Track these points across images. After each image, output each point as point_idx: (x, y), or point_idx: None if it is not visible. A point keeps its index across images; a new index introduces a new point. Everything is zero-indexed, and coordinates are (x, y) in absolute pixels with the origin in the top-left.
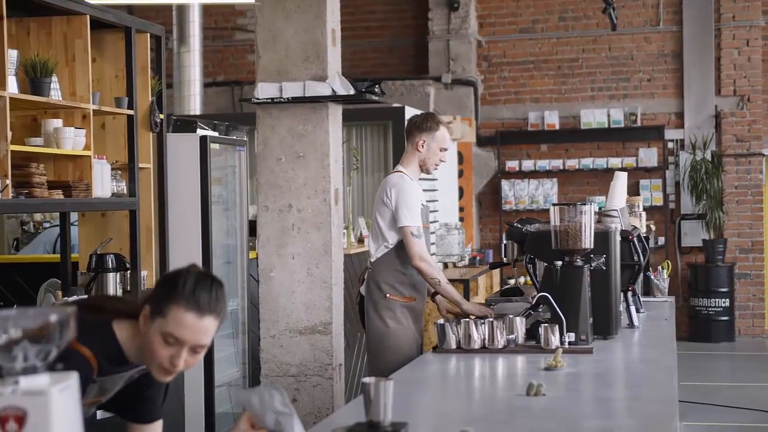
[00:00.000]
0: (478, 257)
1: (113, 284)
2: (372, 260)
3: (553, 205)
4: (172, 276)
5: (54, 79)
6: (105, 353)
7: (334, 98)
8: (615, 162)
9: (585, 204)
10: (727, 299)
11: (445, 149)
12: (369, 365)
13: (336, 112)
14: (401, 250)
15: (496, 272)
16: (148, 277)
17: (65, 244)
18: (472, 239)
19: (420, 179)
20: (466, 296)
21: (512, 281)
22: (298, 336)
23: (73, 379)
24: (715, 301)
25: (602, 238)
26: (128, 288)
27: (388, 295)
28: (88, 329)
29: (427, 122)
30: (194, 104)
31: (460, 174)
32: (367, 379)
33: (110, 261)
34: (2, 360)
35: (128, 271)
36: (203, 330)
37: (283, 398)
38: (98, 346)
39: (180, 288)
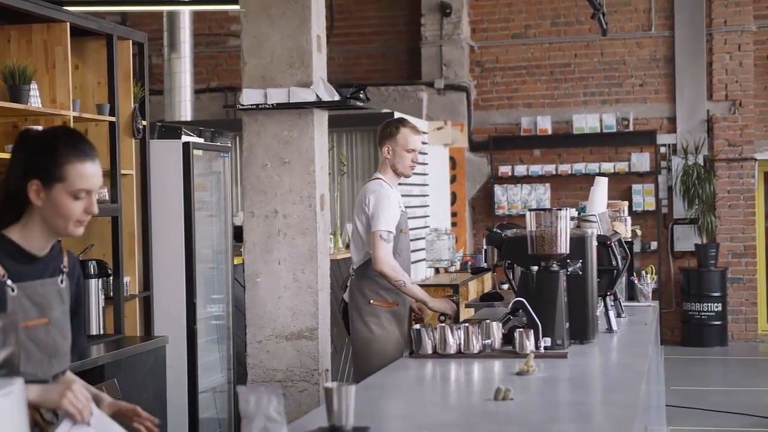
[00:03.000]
0: (470, 262)
1: (95, 291)
2: (354, 267)
3: (530, 210)
4: (42, 142)
5: (33, 86)
6: (6, 254)
7: (319, 104)
8: (607, 167)
9: (561, 209)
10: (720, 304)
11: (413, 150)
12: (354, 371)
13: (321, 118)
14: None
15: (488, 277)
16: (131, 283)
17: None
18: (465, 244)
19: (409, 184)
20: (456, 303)
21: (506, 286)
22: (284, 341)
23: (17, 385)
24: (708, 306)
25: (579, 243)
26: (111, 294)
27: (372, 301)
28: None
29: (387, 128)
30: (185, 110)
31: (453, 179)
32: (328, 384)
33: (92, 267)
34: None
35: (110, 278)
36: (99, 173)
37: (278, 405)
38: None
39: (64, 148)
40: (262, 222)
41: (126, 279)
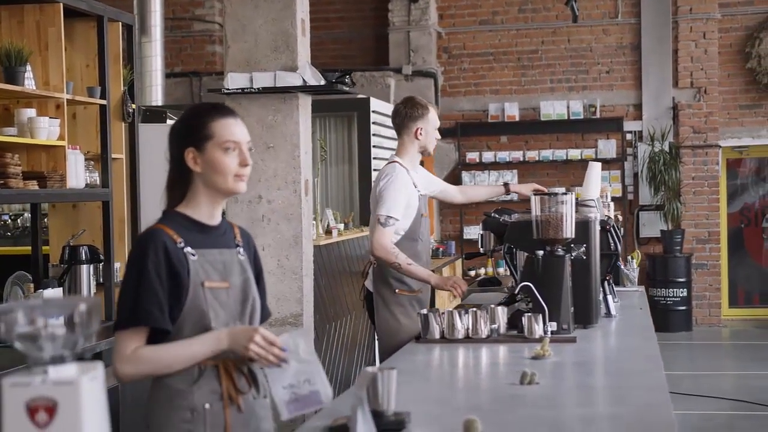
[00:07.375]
0: (440, 249)
1: (86, 276)
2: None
3: (535, 194)
4: (187, 117)
5: (28, 68)
6: (180, 225)
7: (305, 89)
8: (574, 153)
9: (566, 194)
10: (685, 289)
11: (437, 127)
12: (381, 360)
13: (306, 102)
14: (405, 243)
15: (459, 263)
16: (122, 268)
17: (36, 236)
18: (433, 231)
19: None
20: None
21: (482, 271)
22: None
23: (99, 369)
24: (673, 291)
25: (583, 227)
26: (101, 280)
27: (397, 290)
28: (160, 221)
29: (417, 110)
30: (156, 95)
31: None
32: (370, 369)
33: (83, 253)
34: (30, 350)
35: (101, 263)
36: (243, 126)
37: (307, 346)
38: (171, 223)
39: (203, 112)
40: (245, 207)
41: (116, 264)
